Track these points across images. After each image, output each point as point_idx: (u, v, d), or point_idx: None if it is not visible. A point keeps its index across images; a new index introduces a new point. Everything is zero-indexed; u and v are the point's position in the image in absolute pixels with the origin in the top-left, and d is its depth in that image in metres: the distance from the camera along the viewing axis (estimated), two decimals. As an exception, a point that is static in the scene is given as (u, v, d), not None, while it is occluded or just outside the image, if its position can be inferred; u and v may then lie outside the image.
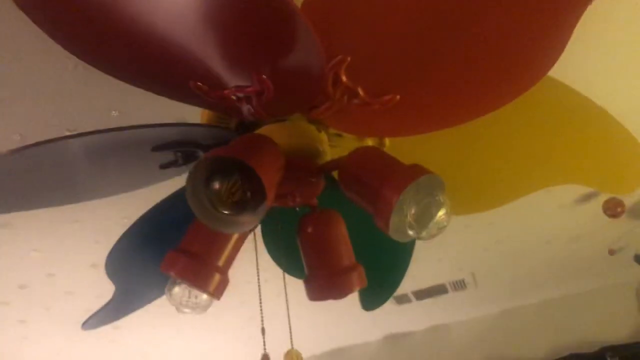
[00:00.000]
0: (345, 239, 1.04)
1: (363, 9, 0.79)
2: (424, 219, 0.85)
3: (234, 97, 0.87)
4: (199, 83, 0.85)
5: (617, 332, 3.14)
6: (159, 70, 0.83)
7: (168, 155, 0.99)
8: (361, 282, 1.03)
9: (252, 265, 1.13)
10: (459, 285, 2.92)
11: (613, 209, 2.16)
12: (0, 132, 1.48)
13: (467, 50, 0.82)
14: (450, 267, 2.73)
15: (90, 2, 0.72)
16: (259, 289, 1.10)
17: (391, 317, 3.24)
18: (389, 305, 3.05)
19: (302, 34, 0.74)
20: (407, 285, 2.85)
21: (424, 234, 0.86)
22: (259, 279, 1.09)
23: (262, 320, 1.05)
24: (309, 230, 1.03)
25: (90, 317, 1.30)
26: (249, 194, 0.78)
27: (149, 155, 0.96)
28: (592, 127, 1.05)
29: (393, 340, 3.54)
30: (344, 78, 0.87)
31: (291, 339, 1.14)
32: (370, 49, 0.84)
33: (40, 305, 2.42)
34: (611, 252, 2.54)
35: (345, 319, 3.04)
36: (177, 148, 0.96)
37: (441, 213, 0.86)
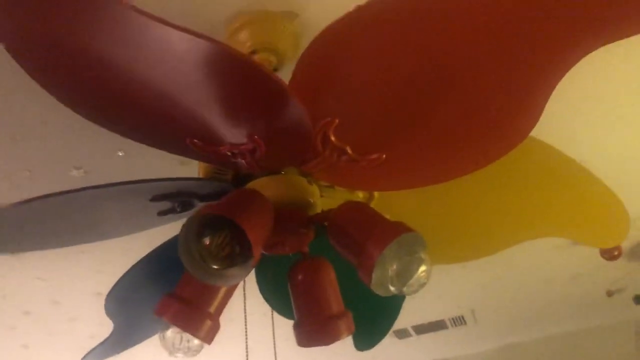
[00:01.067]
0: (334, 286, 1.08)
1: (350, 78, 0.85)
2: (405, 275, 0.90)
3: (228, 153, 0.93)
4: (195, 140, 0.91)
5: (616, 372, 3.13)
6: (155, 127, 0.89)
7: (166, 204, 1.04)
8: (349, 329, 1.07)
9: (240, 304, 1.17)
10: (459, 321, 2.94)
11: (610, 252, 2.17)
12: (11, 167, 1.55)
13: (447, 114, 0.87)
14: (450, 304, 2.75)
15: (86, 59, 0.76)
16: (246, 330, 1.14)
17: (391, 352, 3.24)
18: (390, 339, 3.07)
19: (291, 106, 0.80)
20: (407, 320, 2.87)
21: (404, 289, 0.90)
22: (246, 322, 1.13)
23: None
24: (299, 277, 1.07)
25: (88, 353, 1.34)
26: (237, 249, 0.83)
27: (148, 204, 1.01)
28: (574, 185, 1.10)
29: (394, 373, 3.54)
30: (332, 138, 0.93)
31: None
32: (357, 112, 0.89)
33: (43, 331, 2.47)
34: (609, 294, 2.55)
35: (344, 352, 3.06)
36: (175, 199, 1.01)
37: (422, 269, 0.90)
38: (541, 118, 0.85)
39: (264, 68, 0.77)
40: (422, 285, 0.91)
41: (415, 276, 0.90)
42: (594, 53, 0.73)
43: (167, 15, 1.17)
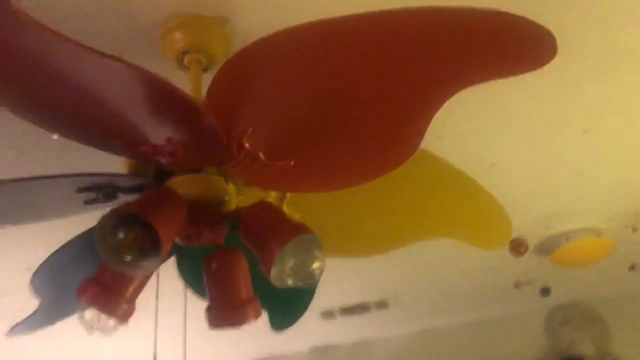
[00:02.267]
0: (245, 275, 1.19)
1: (260, 95, 0.95)
2: (300, 271, 1.02)
3: (149, 153, 1.02)
4: (119, 140, 0.99)
5: (523, 357, 3.40)
6: (83, 129, 0.98)
7: (92, 195, 1.13)
8: (256, 314, 1.19)
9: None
10: (382, 304, 3.12)
11: (516, 248, 2.39)
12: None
13: (345, 131, 0.99)
14: (373, 288, 2.92)
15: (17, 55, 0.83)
16: (156, 314, 1.24)
17: (317, 330, 3.40)
18: (315, 319, 3.23)
19: (204, 120, 0.90)
20: (332, 302, 3.03)
21: (299, 282, 1.02)
22: (157, 306, 1.23)
23: (154, 345, 1.19)
24: (213, 266, 1.18)
25: (15, 326, 1.42)
26: (149, 243, 0.92)
27: (75, 194, 1.09)
28: (461, 193, 1.25)
29: (319, 352, 3.71)
30: (246, 144, 1.03)
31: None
32: (267, 123, 1.00)
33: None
34: (517, 286, 2.77)
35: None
36: (99, 191, 1.10)
37: (316, 266, 1.03)
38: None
39: (179, 90, 0.86)
40: (316, 279, 1.03)
41: (309, 271, 1.02)
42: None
43: (104, 15, 1.25)
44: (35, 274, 1.27)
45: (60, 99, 0.89)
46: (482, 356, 3.47)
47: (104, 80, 0.82)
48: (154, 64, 1.37)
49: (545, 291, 2.80)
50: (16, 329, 1.44)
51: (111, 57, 0.75)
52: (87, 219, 1.24)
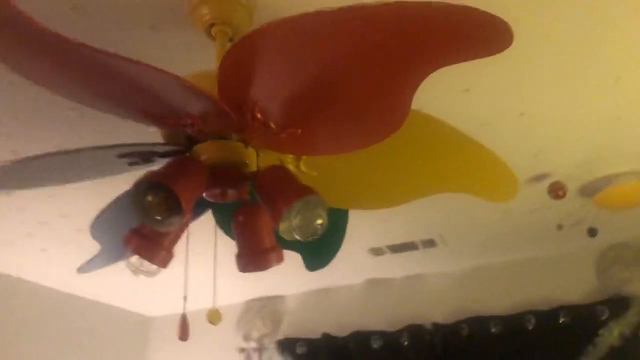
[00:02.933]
0: (268, 226, 1.36)
1: (266, 73, 1.08)
2: (305, 226, 1.17)
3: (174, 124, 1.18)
4: (149, 116, 1.16)
5: (571, 295, 3.45)
6: (121, 107, 1.15)
7: (133, 159, 1.31)
8: (278, 260, 1.36)
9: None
10: (429, 243, 3.24)
11: (555, 192, 2.42)
12: None
13: (341, 104, 1.11)
14: (419, 228, 3.04)
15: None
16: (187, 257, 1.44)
17: (369, 266, 3.59)
18: (366, 256, 3.41)
19: (215, 103, 1.05)
20: (380, 240, 3.18)
21: (304, 236, 1.18)
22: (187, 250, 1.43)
23: (185, 288, 1.39)
24: (239, 219, 1.35)
25: (81, 265, 1.67)
26: (173, 204, 1.10)
27: (117, 159, 1.28)
28: (466, 152, 1.34)
29: (373, 284, 3.92)
30: (258, 115, 1.17)
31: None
32: (275, 97, 1.13)
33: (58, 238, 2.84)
34: (559, 227, 2.80)
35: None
36: (139, 157, 1.28)
37: (319, 222, 1.17)
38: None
39: (194, 86, 1.01)
40: (319, 234, 1.18)
41: (313, 228, 1.17)
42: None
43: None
44: (92, 224, 1.49)
45: (103, 89, 1.07)
46: (531, 293, 3.55)
47: (137, 78, 0.98)
48: (184, 34, 1.53)
49: (592, 231, 2.81)
50: (83, 268, 1.70)
51: (138, 62, 0.91)
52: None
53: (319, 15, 0.92)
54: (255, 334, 4.02)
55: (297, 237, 1.18)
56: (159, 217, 1.10)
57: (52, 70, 1.00)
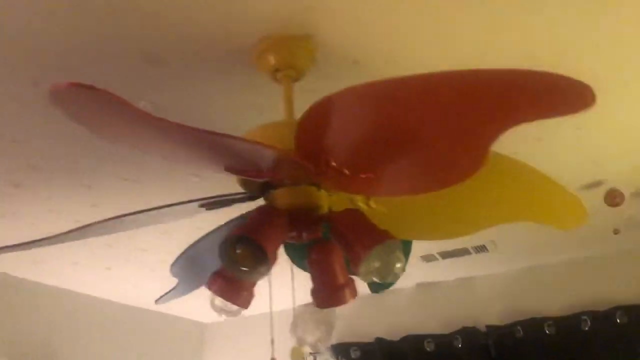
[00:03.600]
0: (341, 262, 1.41)
1: (342, 127, 1.13)
2: (384, 270, 1.21)
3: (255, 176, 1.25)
4: (233, 171, 1.23)
5: (628, 294, 3.41)
6: (211, 165, 1.22)
7: (212, 206, 1.38)
8: (353, 295, 1.41)
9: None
10: (481, 249, 3.25)
11: (612, 200, 2.40)
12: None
13: (416, 155, 1.15)
14: (470, 237, 3.04)
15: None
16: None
17: (420, 271, 3.62)
18: (418, 263, 3.45)
19: (293, 160, 1.11)
20: (431, 248, 3.21)
21: (383, 279, 1.22)
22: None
23: (271, 332, 1.45)
24: (313, 257, 1.41)
25: (159, 298, 1.76)
26: (259, 255, 1.16)
27: (197, 208, 1.35)
28: (539, 188, 1.36)
29: (425, 287, 3.95)
30: (333, 163, 1.22)
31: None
32: (351, 147, 1.18)
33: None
34: (615, 232, 2.78)
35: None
36: (219, 204, 1.34)
37: (397, 266, 1.22)
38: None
39: (273, 148, 1.07)
40: (397, 276, 1.23)
41: (392, 271, 1.22)
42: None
43: (202, 43, 1.43)
44: (174, 262, 1.57)
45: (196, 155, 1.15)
46: (586, 293, 3.51)
47: (227, 147, 1.05)
48: (250, 78, 1.59)
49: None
50: (161, 299, 1.79)
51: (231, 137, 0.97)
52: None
53: (396, 81, 0.97)
54: (309, 339, 4.09)
55: (376, 279, 1.23)
56: (246, 268, 1.16)
57: (152, 143, 1.08)
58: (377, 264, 1.21)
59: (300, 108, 1.46)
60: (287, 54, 1.47)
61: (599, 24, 1.46)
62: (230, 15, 1.35)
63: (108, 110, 0.90)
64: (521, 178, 1.33)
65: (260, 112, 1.70)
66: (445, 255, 3.33)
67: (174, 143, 1.07)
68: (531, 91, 0.90)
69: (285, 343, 4.15)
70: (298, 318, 4.26)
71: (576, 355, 3.40)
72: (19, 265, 3.00)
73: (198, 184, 2.18)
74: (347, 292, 1.40)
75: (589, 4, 1.37)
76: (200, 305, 4.07)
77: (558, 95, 0.89)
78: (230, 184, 2.01)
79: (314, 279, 1.42)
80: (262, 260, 1.16)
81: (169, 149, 1.14)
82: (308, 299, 3.20)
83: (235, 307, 1.37)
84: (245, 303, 1.35)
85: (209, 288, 1.34)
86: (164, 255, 3.01)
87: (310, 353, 4.06)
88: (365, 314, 4.06)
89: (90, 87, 0.76)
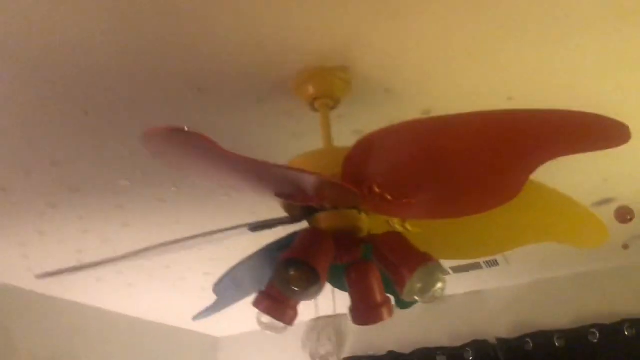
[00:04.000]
0: (379, 281, 1.49)
1: (385, 158, 1.22)
2: (426, 290, 1.30)
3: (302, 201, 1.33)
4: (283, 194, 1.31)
5: (636, 307, 3.50)
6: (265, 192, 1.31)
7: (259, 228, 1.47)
8: (389, 313, 1.49)
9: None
10: (492, 263, 3.34)
11: (622, 217, 2.50)
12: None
13: (453, 183, 1.24)
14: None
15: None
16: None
17: (432, 285, 3.70)
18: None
19: (340, 187, 1.20)
20: (445, 262, 3.28)
21: (425, 299, 1.31)
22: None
23: None
24: (352, 276, 1.49)
25: (199, 313, 1.84)
26: (311, 277, 1.24)
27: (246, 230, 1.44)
28: (564, 210, 1.46)
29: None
30: (376, 190, 1.31)
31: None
32: (393, 176, 1.27)
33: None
34: (625, 247, 2.87)
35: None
36: (266, 227, 1.43)
37: (439, 286, 1.30)
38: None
39: (327, 177, 1.16)
40: (439, 297, 1.31)
41: (434, 291, 1.30)
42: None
43: (246, 75, 1.52)
44: (217, 282, 1.65)
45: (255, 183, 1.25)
46: (595, 306, 3.61)
47: (282, 176, 1.14)
48: (290, 107, 1.68)
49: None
50: (198, 316, 1.87)
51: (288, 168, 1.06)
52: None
53: (434, 121, 1.07)
54: (321, 351, 4.16)
55: (418, 300, 1.31)
56: (298, 289, 1.24)
57: (221, 174, 1.17)
58: (419, 285, 1.30)
59: (336, 133, 1.57)
60: (325, 84, 1.57)
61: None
62: (274, 49, 1.44)
63: (196, 150, 0.99)
64: (547, 201, 1.42)
65: (299, 138, 1.79)
66: (458, 270, 3.41)
67: (238, 173, 1.16)
68: (568, 131, 0.99)
69: (297, 357, 4.24)
70: (310, 331, 4.33)
71: (585, 367, 3.49)
72: (43, 282, 3.06)
73: (227, 202, 2.26)
74: (385, 310, 1.48)
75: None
76: (214, 320, 4.16)
77: (596, 133, 0.98)
78: (256, 202, 2.11)
79: (352, 297, 1.50)
80: (314, 281, 1.25)
81: (234, 179, 1.22)
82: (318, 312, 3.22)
83: (281, 325, 1.45)
84: (291, 320, 1.43)
85: (257, 307, 1.41)
86: (185, 273, 3.10)
87: (324, 366, 4.12)
88: (377, 327, 4.09)
89: (186, 131, 0.85)
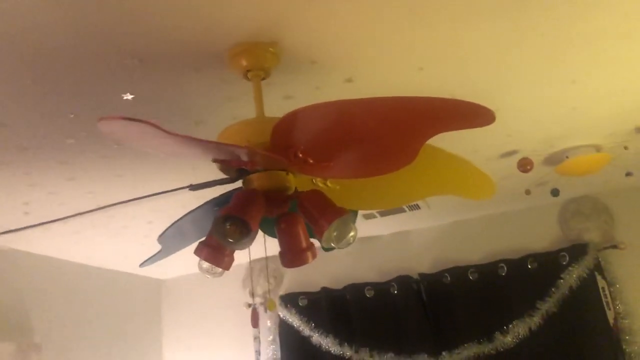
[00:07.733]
0: (304, 229, 1.75)
1: (307, 129, 1.45)
2: (341, 237, 1.56)
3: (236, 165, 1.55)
4: (218, 162, 1.52)
5: (538, 244, 3.96)
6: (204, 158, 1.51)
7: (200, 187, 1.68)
8: (314, 256, 1.75)
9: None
10: (414, 207, 3.68)
11: (523, 167, 2.85)
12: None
13: (362, 149, 1.49)
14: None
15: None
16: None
17: (361, 227, 4.03)
18: (359, 220, 3.84)
19: (269, 155, 1.42)
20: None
21: (340, 245, 1.57)
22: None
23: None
24: (282, 225, 1.74)
25: (145, 261, 2.05)
26: (244, 229, 1.47)
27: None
28: (456, 167, 1.74)
29: (365, 241, 4.37)
30: (300, 155, 1.54)
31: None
32: (313, 143, 1.50)
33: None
34: (527, 192, 3.25)
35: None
36: (205, 186, 1.64)
37: (351, 234, 1.57)
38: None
39: (258, 150, 1.38)
40: (351, 243, 1.58)
41: (347, 238, 1.57)
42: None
43: (184, 46, 1.69)
44: (162, 233, 1.86)
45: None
46: (503, 244, 4.05)
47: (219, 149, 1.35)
48: (225, 76, 1.87)
49: (555, 191, 3.25)
50: (144, 263, 2.08)
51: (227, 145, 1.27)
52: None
53: (346, 103, 1.31)
54: (259, 290, 4.48)
55: (334, 246, 1.58)
56: (233, 240, 1.48)
57: (166, 149, 1.36)
58: (335, 233, 1.56)
59: (268, 98, 1.77)
60: (257, 57, 1.75)
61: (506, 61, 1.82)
62: (210, 24, 1.61)
63: (144, 135, 1.18)
64: (443, 162, 1.71)
65: (235, 102, 1.99)
66: (384, 213, 3.74)
67: (182, 149, 1.36)
68: (448, 114, 1.25)
69: (238, 297, 4.53)
70: (249, 272, 4.63)
71: (495, 297, 3.94)
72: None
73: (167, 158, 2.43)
74: (310, 253, 1.74)
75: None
76: (158, 264, 4.38)
77: (469, 115, 1.25)
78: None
79: (281, 243, 1.75)
80: (246, 233, 1.48)
81: (178, 153, 1.42)
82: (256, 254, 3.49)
83: (219, 269, 1.69)
84: (227, 266, 1.67)
85: (198, 255, 1.64)
86: (129, 222, 3.27)
87: (261, 303, 4.44)
88: (311, 266, 4.43)
89: (138, 120, 1.04)
